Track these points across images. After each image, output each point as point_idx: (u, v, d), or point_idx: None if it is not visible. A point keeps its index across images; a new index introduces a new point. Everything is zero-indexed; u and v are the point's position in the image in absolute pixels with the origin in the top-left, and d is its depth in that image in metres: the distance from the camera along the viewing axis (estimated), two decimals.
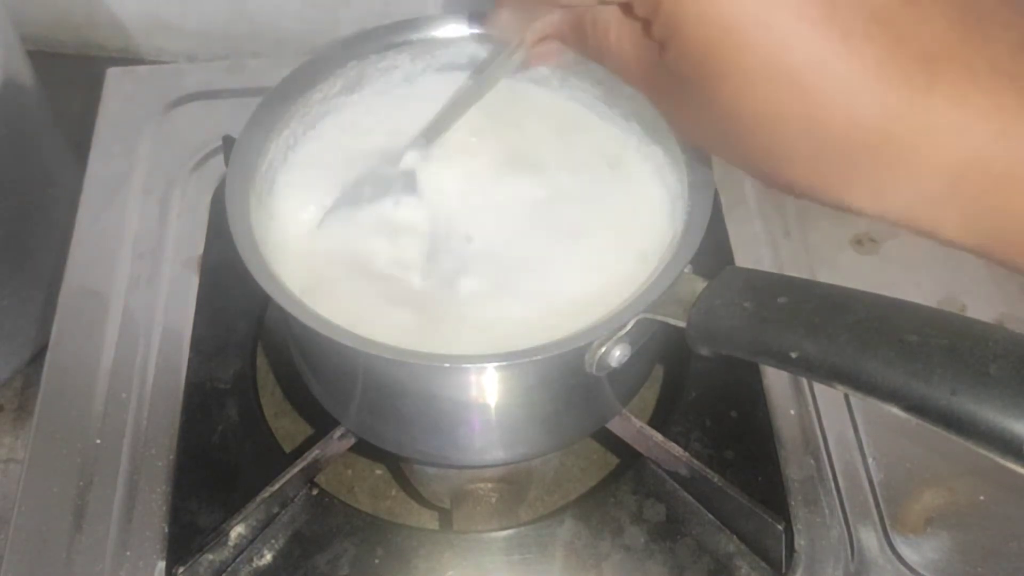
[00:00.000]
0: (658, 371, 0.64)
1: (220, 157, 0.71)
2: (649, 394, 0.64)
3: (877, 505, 0.55)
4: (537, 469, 0.58)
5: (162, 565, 0.53)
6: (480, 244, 0.52)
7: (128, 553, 0.54)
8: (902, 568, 0.53)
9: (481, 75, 0.53)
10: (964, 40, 0.33)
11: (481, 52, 0.55)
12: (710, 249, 0.46)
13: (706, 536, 0.54)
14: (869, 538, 0.54)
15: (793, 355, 0.38)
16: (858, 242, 0.68)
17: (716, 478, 0.53)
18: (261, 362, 0.64)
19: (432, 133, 0.54)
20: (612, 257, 0.51)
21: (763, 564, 0.53)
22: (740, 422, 0.58)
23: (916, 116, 0.32)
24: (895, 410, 0.35)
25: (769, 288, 0.40)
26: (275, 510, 0.55)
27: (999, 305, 0.64)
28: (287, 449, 0.60)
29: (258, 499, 0.53)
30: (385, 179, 0.53)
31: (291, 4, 0.92)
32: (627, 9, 0.39)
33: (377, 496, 0.63)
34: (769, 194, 0.70)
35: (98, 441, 0.58)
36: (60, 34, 0.99)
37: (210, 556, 0.52)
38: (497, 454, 0.52)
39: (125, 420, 0.59)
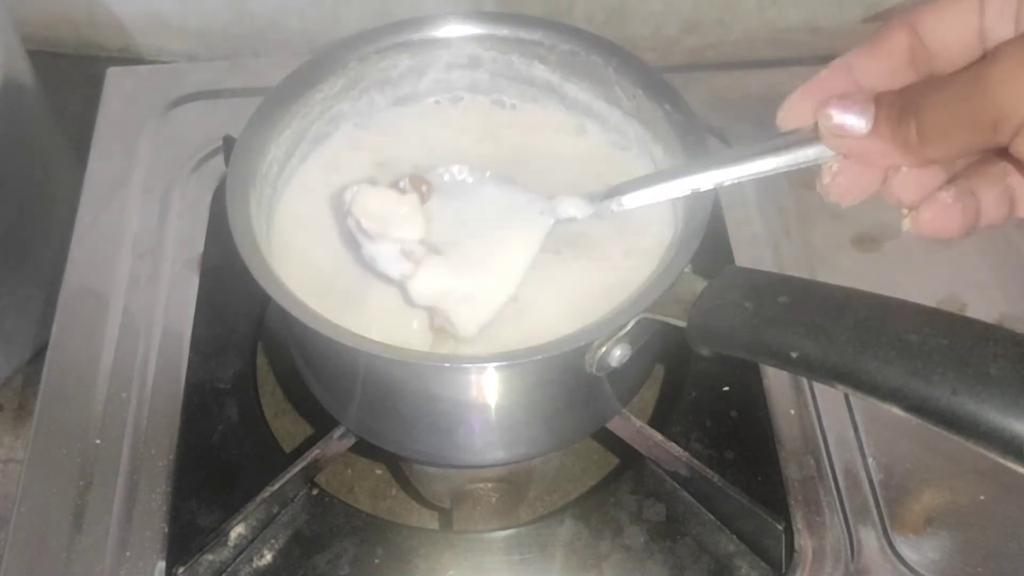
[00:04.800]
0: (658, 371, 0.64)
1: (220, 157, 0.71)
2: (649, 394, 0.64)
3: (877, 505, 0.55)
4: (537, 469, 0.58)
5: (162, 565, 0.53)
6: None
7: (128, 553, 0.54)
8: (902, 568, 0.53)
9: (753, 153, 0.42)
10: None
11: (481, 52, 0.55)
12: (710, 249, 0.46)
13: (706, 536, 0.54)
14: (869, 538, 0.54)
15: (793, 355, 0.38)
16: (858, 242, 0.68)
17: (716, 478, 0.53)
18: (261, 362, 0.64)
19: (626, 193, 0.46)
20: (614, 256, 0.51)
21: (763, 564, 0.53)
22: (740, 422, 0.58)
23: None
24: (895, 410, 0.35)
25: (769, 288, 0.40)
26: (275, 510, 0.55)
27: (999, 305, 0.64)
28: (287, 449, 0.60)
29: (258, 499, 0.53)
30: None
31: (292, 3, 0.92)
32: None
33: (377, 496, 0.63)
34: (769, 194, 0.70)
35: (98, 441, 0.58)
36: (60, 34, 0.99)
37: (210, 556, 0.52)
38: (497, 454, 0.52)
39: (125, 420, 0.59)
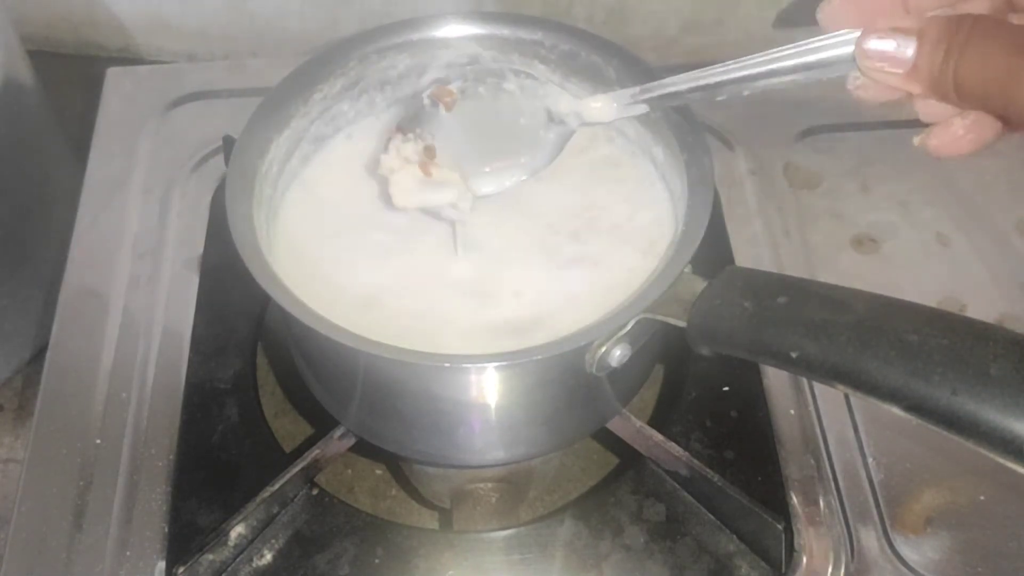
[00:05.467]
0: (658, 371, 0.64)
1: (220, 157, 0.71)
2: (649, 394, 0.64)
3: (877, 505, 0.55)
4: (537, 469, 0.58)
5: (162, 565, 0.53)
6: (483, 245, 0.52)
7: (128, 553, 0.54)
8: (902, 568, 0.53)
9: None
10: None
11: (481, 52, 0.55)
12: (710, 249, 0.46)
13: (706, 536, 0.54)
14: (869, 538, 0.54)
15: (793, 355, 0.38)
16: (858, 242, 0.68)
17: (716, 478, 0.53)
18: (261, 362, 0.64)
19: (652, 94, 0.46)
20: (614, 256, 0.51)
21: (763, 564, 0.53)
22: (740, 422, 0.58)
23: None
24: (895, 410, 0.35)
25: (769, 288, 0.40)
26: (275, 510, 0.55)
27: (999, 305, 0.64)
28: (287, 449, 0.60)
29: (258, 499, 0.53)
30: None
31: (291, 4, 0.92)
32: None
33: (377, 496, 0.63)
34: (769, 194, 0.70)
35: (98, 441, 0.58)
36: (60, 34, 0.99)
37: (210, 556, 0.52)
38: (497, 454, 0.52)
39: (125, 420, 0.59)
